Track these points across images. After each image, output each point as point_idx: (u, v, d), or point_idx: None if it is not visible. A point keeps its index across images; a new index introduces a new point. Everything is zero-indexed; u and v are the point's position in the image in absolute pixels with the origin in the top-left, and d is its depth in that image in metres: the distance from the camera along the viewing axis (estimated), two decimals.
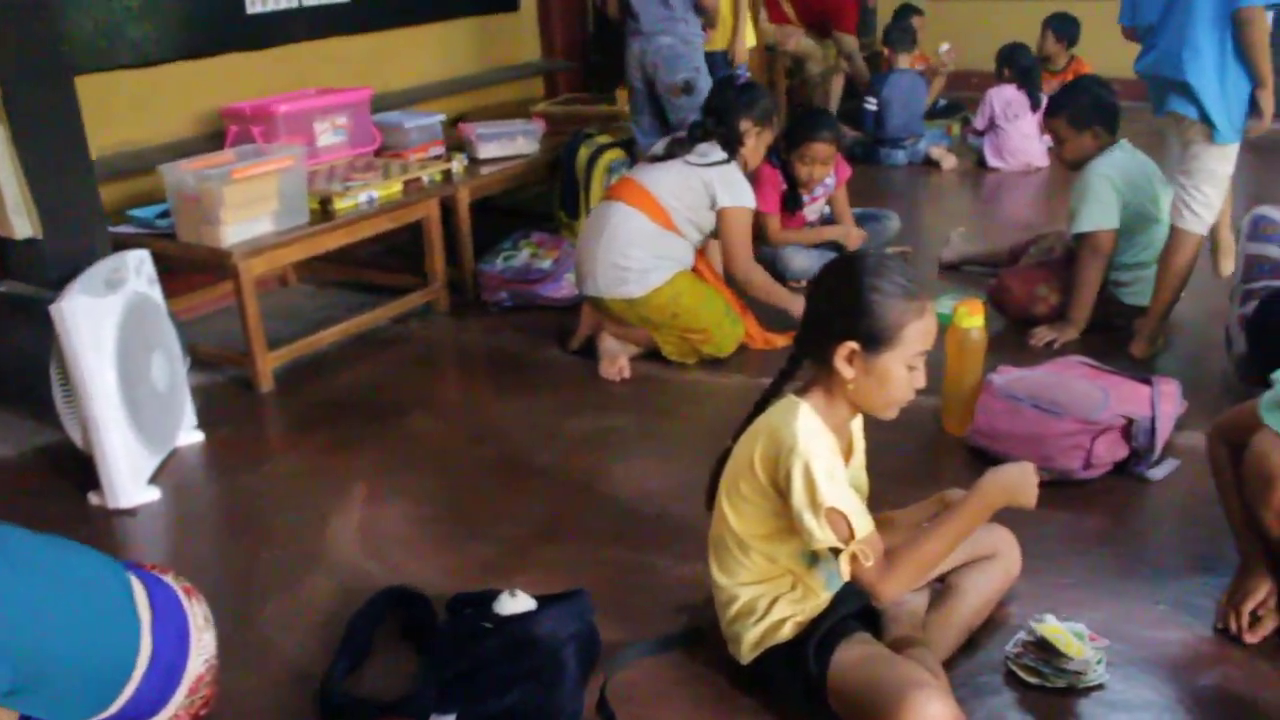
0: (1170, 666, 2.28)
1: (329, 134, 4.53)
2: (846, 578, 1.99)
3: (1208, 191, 3.49)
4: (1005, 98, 6.44)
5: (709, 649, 2.29)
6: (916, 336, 2.00)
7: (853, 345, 1.99)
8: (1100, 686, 2.21)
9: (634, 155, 4.83)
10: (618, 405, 3.64)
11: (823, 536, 1.96)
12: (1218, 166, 3.46)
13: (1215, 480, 2.38)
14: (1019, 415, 3.02)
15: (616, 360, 3.81)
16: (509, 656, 2.14)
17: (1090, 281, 3.80)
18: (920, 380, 2.05)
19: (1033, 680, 2.21)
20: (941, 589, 2.36)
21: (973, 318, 3.17)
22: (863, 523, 1.97)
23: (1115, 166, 3.77)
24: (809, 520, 1.96)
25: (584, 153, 4.82)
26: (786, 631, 2.11)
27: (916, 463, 3.12)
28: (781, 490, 2.00)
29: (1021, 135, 6.45)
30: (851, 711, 2.01)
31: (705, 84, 4.65)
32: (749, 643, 2.14)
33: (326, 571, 2.73)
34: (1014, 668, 2.25)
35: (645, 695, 2.22)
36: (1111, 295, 3.91)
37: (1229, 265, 4.13)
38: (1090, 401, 2.98)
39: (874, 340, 1.99)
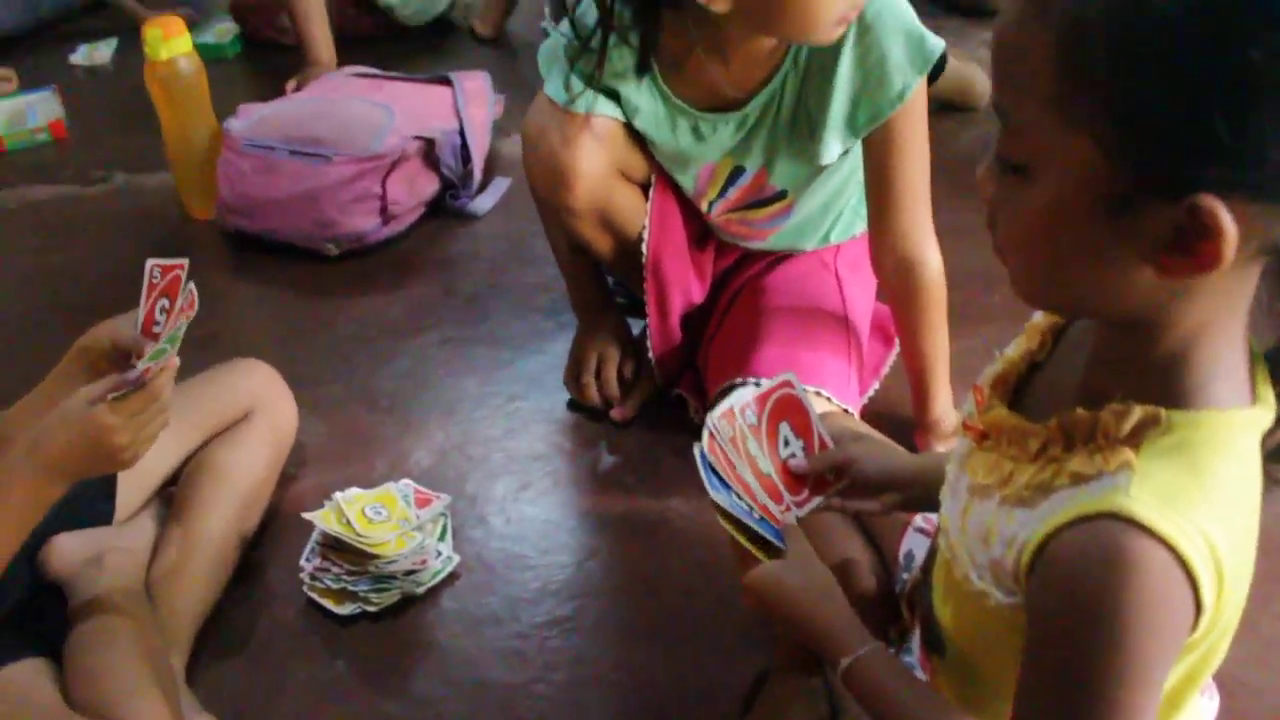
0: (545, 496, 1.52)
1: None
2: None
3: None
4: None
5: None
6: None
7: None
8: (453, 576, 1.40)
9: None
10: None
11: None
12: None
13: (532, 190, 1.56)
14: (275, 171, 2.03)
15: None
16: None
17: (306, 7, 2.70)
18: None
19: (347, 609, 1.34)
20: (175, 492, 1.41)
21: (173, 41, 2.07)
22: None
23: None
24: None
25: None
26: None
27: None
28: None
29: None
30: None
31: None
32: None
33: None
34: (316, 597, 1.36)
35: None
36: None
37: None
38: (368, 126, 2.06)
39: None
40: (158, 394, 1.09)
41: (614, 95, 1.36)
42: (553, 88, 1.38)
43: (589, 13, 1.29)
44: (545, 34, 2.94)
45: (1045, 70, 0.63)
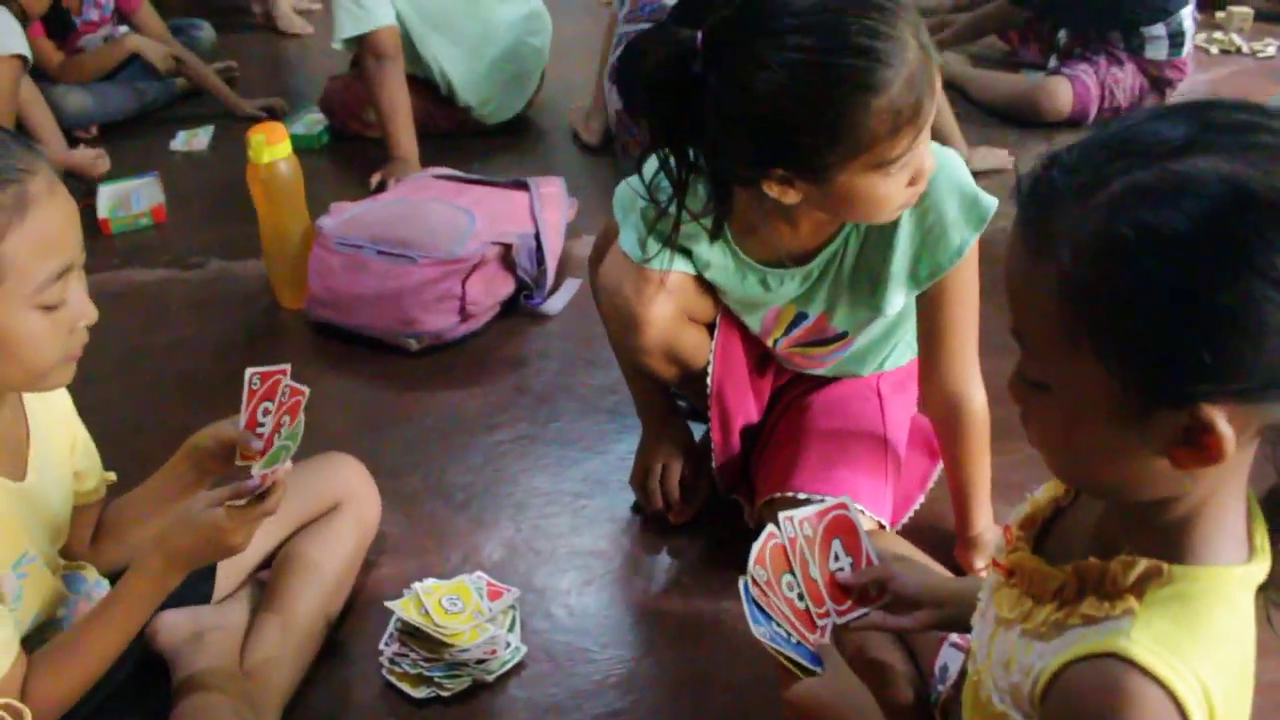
0: (606, 591, 1.63)
1: None
2: None
3: None
4: None
5: None
6: (28, 254, 1.05)
7: None
8: (520, 665, 1.50)
9: None
10: None
11: None
12: None
13: (605, 325, 1.67)
14: (363, 269, 2.18)
15: None
16: None
17: (390, 96, 2.85)
18: (87, 310, 1.14)
19: (422, 693, 1.45)
20: (269, 577, 1.53)
21: (275, 147, 2.24)
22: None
23: None
24: None
25: None
26: None
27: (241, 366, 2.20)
28: None
29: None
30: None
31: None
32: None
33: None
34: (394, 680, 1.47)
35: None
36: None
37: None
38: (451, 230, 2.21)
39: None
40: (273, 509, 1.22)
41: (686, 251, 1.45)
42: (629, 243, 1.46)
43: (664, 178, 1.35)
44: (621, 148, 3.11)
45: (1050, 305, 0.73)
